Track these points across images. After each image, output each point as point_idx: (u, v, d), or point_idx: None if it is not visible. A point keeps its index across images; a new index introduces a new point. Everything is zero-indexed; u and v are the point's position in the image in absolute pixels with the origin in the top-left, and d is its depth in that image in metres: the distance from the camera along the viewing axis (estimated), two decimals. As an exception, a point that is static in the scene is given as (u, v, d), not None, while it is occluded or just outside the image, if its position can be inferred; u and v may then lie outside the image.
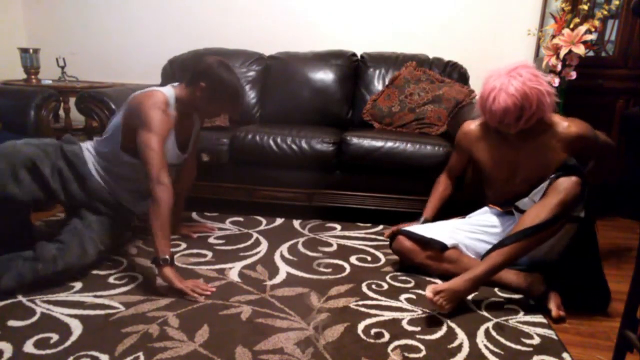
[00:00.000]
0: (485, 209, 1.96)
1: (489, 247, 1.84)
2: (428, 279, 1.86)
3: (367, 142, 2.37)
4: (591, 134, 1.71)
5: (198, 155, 2.28)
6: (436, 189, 2.08)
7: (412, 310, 1.61)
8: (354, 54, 2.99)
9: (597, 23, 2.44)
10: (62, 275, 1.68)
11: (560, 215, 1.56)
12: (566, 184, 1.56)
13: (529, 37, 2.84)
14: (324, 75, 2.88)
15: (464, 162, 2.04)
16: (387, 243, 2.20)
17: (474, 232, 1.88)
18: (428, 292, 1.53)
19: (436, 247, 1.81)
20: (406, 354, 1.36)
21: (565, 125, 1.70)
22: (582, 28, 2.40)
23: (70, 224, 1.80)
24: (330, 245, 2.17)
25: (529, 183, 1.75)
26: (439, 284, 1.59)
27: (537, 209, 1.59)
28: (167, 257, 1.63)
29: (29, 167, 1.74)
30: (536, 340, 1.47)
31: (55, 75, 3.22)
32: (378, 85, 2.89)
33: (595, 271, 1.69)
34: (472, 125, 1.93)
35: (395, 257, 2.03)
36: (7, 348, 1.31)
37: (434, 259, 1.83)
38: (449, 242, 1.81)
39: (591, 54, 2.62)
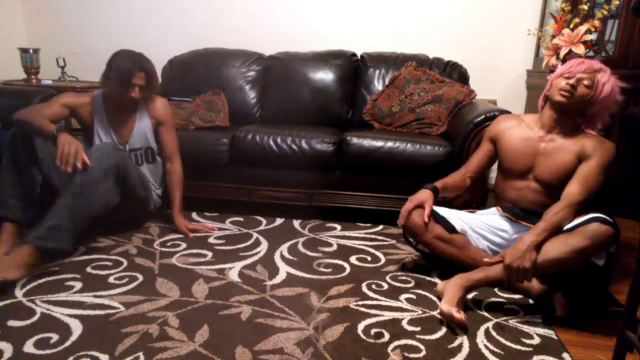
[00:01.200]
0: (494, 210, 1.94)
1: (493, 247, 1.85)
2: (428, 278, 1.86)
3: (367, 142, 2.37)
4: (601, 162, 1.69)
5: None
6: (450, 175, 1.98)
7: (412, 310, 1.61)
8: (354, 54, 2.99)
9: (597, 23, 2.44)
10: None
11: (578, 261, 1.54)
12: (598, 231, 1.51)
13: (529, 37, 2.83)
14: (324, 75, 2.88)
15: (486, 156, 1.98)
16: (388, 243, 2.21)
17: (481, 228, 1.87)
18: (446, 310, 1.50)
19: (446, 226, 1.80)
20: (406, 354, 1.36)
21: (595, 138, 1.74)
22: (582, 28, 2.40)
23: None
24: (330, 245, 2.17)
25: (542, 184, 1.78)
26: (445, 302, 1.54)
27: (558, 243, 1.56)
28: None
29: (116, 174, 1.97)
30: (536, 340, 1.47)
31: (55, 75, 3.22)
32: (378, 85, 2.89)
33: (602, 286, 1.68)
34: (511, 118, 1.96)
35: (395, 257, 2.04)
36: (7, 348, 1.31)
37: (441, 240, 1.81)
38: (458, 226, 1.82)
39: (591, 54, 2.61)
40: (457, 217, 1.86)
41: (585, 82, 1.72)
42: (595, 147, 1.71)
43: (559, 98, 1.74)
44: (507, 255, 1.58)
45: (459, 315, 1.48)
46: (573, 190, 1.67)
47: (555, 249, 1.55)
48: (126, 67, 2.05)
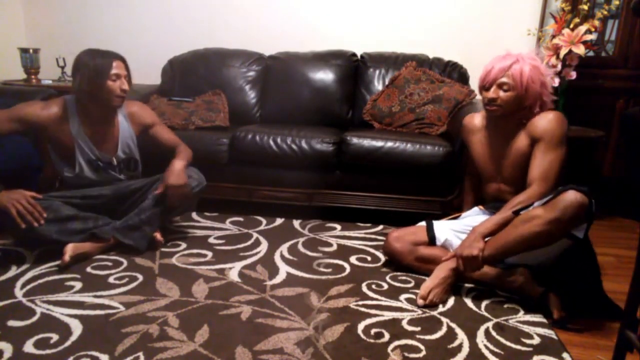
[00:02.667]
0: (476, 209, 1.97)
1: None
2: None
3: (367, 142, 2.37)
4: (555, 132, 1.67)
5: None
6: (467, 200, 2.07)
7: (412, 310, 1.61)
8: (354, 54, 2.99)
9: (597, 23, 2.44)
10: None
11: (554, 233, 1.52)
12: (569, 200, 1.49)
13: (529, 37, 2.83)
14: (324, 75, 2.88)
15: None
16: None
17: (462, 231, 1.86)
18: (419, 301, 1.64)
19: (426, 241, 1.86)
20: (406, 354, 1.36)
21: (535, 118, 1.72)
22: (582, 28, 2.40)
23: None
24: (330, 245, 2.17)
25: (512, 183, 1.80)
26: (423, 286, 1.68)
27: (531, 217, 1.55)
28: None
29: None
30: (536, 340, 1.47)
31: (55, 75, 3.21)
32: (378, 85, 2.89)
33: (594, 283, 1.69)
34: (471, 117, 1.96)
35: (395, 257, 2.04)
36: (7, 348, 1.31)
37: (422, 261, 1.85)
38: (442, 238, 1.85)
39: (591, 54, 2.62)
40: (440, 229, 1.88)
41: (505, 87, 1.70)
42: (542, 126, 1.69)
43: (488, 111, 1.77)
44: (459, 247, 1.69)
45: (426, 300, 1.63)
46: (532, 182, 1.68)
47: (528, 224, 1.54)
48: (101, 58, 1.88)
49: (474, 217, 1.92)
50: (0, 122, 1.85)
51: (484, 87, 1.75)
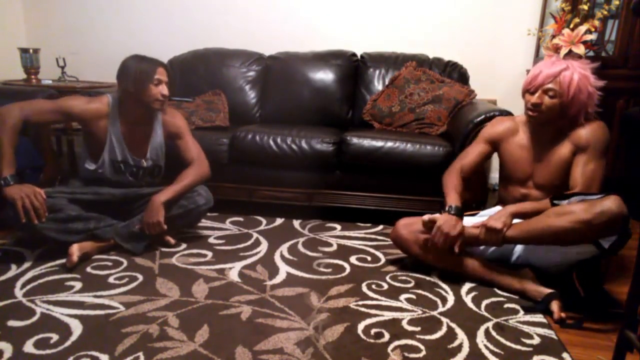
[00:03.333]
0: (498, 208, 1.93)
1: None
2: (428, 278, 1.86)
3: (367, 142, 2.37)
4: (600, 142, 1.67)
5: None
6: (450, 182, 1.90)
7: (412, 310, 1.61)
8: (354, 54, 2.99)
9: (597, 23, 2.44)
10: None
11: (582, 234, 1.51)
12: (607, 206, 1.47)
13: (529, 37, 2.84)
14: (324, 75, 2.88)
15: (483, 156, 1.95)
16: (388, 243, 2.20)
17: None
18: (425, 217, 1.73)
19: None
20: (406, 354, 1.36)
21: (580, 129, 1.70)
22: (582, 28, 2.40)
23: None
24: (330, 245, 2.17)
25: (545, 189, 1.77)
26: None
27: (565, 211, 1.54)
28: None
29: None
30: (536, 340, 1.47)
31: (55, 75, 3.21)
32: (378, 85, 2.89)
33: (595, 283, 1.69)
34: (506, 120, 1.92)
35: (395, 257, 2.04)
36: (7, 348, 1.31)
37: (426, 251, 1.82)
38: None
39: (591, 54, 2.61)
40: None
41: (550, 93, 1.67)
42: (587, 135, 1.68)
43: (530, 116, 1.74)
44: (489, 218, 1.70)
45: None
46: (574, 185, 1.67)
47: (561, 218, 1.54)
48: (147, 64, 1.96)
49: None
50: (45, 112, 1.93)
51: (529, 91, 1.71)
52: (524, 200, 1.83)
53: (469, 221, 1.87)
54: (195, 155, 2.13)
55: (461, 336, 1.46)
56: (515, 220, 1.69)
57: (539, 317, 1.60)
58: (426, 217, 1.77)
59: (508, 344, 1.44)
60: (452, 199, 1.82)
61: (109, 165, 2.03)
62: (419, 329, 1.49)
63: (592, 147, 1.68)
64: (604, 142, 1.68)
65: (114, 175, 2.05)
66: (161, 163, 2.15)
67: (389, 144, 2.36)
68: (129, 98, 1.99)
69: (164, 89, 1.97)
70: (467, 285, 1.79)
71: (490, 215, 1.71)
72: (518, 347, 1.43)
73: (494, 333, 1.49)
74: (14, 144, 1.83)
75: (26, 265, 1.83)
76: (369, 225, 2.44)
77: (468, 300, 1.70)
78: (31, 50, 3.03)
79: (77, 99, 2.02)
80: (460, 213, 1.77)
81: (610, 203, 1.48)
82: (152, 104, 1.98)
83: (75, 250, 1.81)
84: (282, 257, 2.01)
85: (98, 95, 2.09)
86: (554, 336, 1.50)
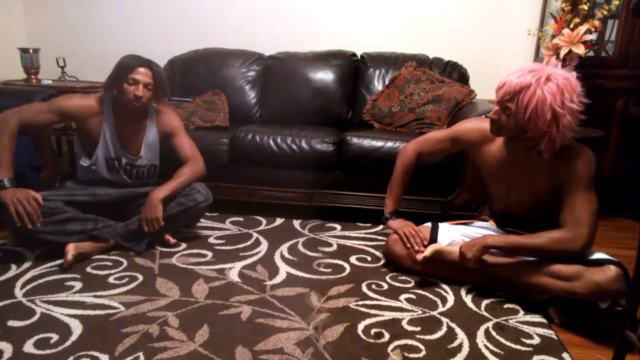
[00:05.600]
0: (490, 225, 1.91)
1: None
2: (428, 279, 1.85)
3: (367, 142, 2.37)
4: (582, 178, 1.51)
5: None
6: (401, 177, 1.92)
7: (412, 310, 1.61)
8: (354, 54, 2.99)
9: (597, 23, 2.44)
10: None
11: (579, 296, 1.52)
12: (606, 280, 1.46)
13: (529, 37, 2.83)
14: (324, 75, 2.88)
15: (442, 150, 1.91)
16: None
17: (470, 235, 1.83)
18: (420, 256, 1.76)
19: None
20: (406, 354, 1.36)
21: (561, 164, 1.54)
22: (582, 28, 2.40)
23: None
24: (330, 245, 2.16)
25: (526, 208, 1.71)
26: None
27: (559, 278, 1.55)
28: None
29: None
30: (536, 340, 1.47)
31: (55, 75, 3.21)
32: (378, 85, 2.89)
33: None
34: (483, 124, 1.72)
35: (395, 257, 2.03)
36: (7, 348, 1.31)
37: (420, 264, 1.81)
38: (443, 241, 1.83)
39: (591, 54, 2.61)
40: (445, 232, 1.86)
41: (507, 111, 1.50)
42: (568, 172, 1.52)
43: (491, 130, 1.62)
44: (465, 243, 1.70)
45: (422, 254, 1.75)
46: (564, 223, 1.54)
47: (555, 281, 1.56)
48: (128, 60, 1.94)
49: (487, 230, 1.86)
50: (40, 114, 1.93)
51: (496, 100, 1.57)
52: (507, 218, 1.79)
53: (459, 232, 1.87)
54: (190, 153, 2.14)
55: (461, 336, 1.46)
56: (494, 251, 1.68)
57: (539, 317, 1.60)
58: (420, 256, 1.78)
59: (508, 344, 1.44)
60: (391, 205, 1.96)
61: (102, 162, 2.03)
62: (419, 329, 1.49)
63: (576, 183, 1.51)
64: (588, 174, 1.51)
65: (108, 173, 2.05)
66: (156, 162, 2.15)
67: (389, 144, 2.35)
68: (110, 92, 2.00)
69: (138, 90, 1.91)
70: (467, 285, 1.79)
71: (467, 242, 1.69)
72: (518, 347, 1.43)
73: (494, 333, 1.49)
74: (12, 149, 1.83)
75: (26, 265, 1.83)
76: (369, 225, 2.44)
77: (468, 300, 1.70)
78: (31, 50, 3.03)
79: (71, 97, 2.01)
80: (399, 215, 1.94)
81: (608, 282, 1.46)
82: (127, 103, 1.95)
83: (71, 249, 1.81)
84: (282, 257, 2.01)
85: (92, 94, 2.09)
86: (554, 336, 1.50)
